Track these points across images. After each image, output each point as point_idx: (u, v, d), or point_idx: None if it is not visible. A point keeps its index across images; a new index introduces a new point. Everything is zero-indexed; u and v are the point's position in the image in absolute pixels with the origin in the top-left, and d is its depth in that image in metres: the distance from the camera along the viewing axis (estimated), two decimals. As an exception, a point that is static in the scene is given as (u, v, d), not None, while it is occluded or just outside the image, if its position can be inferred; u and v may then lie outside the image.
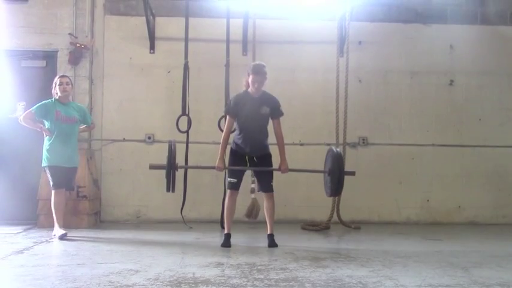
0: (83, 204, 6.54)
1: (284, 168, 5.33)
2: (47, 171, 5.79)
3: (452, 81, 7.69)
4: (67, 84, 5.90)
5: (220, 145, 5.31)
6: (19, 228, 6.19)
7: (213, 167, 5.35)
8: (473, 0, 7.73)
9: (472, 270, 4.08)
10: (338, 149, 5.42)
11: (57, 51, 7.20)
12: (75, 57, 7.13)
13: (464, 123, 7.67)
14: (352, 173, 5.47)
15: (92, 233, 6.09)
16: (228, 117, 5.32)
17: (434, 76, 7.67)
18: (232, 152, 5.40)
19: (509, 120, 7.73)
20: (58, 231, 5.68)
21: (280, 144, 5.33)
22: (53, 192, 5.77)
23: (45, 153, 5.78)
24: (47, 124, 5.84)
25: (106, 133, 7.34)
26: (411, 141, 7.56)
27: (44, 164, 5.79)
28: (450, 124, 7.65)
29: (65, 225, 5.98)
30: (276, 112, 5.30)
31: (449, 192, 7.58)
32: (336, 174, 5.18)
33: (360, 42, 7.47)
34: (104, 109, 7.35)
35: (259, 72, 5.16)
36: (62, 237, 5.57)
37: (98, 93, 7.34)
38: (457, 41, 7.67)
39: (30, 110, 5.86)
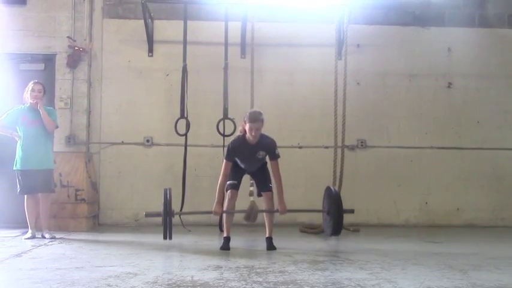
0: (81, 207, 6.54)
1: (282, 210, 5.27)
2: (17, 175, 5.86)
3: (450, 83, 7.70)
4: (39, 91, 5.91)
5: (218, 190, 5.21)
6: (17, 232, 6.18)
7: (210, 212, 5.30)
8: (471, 3, 7.75)
9: (471, 272, 4.08)
10: (336, 188, 5.42)
11: (55, 55, 7.21)
12: (73, 61, 7.14)
13: (463, 126, 7.68)
14: (351, 211, 5.57)
15: (91, 236, 6.09)
16: (225, 161, 5.28)
17: (432, 79, 7.69)
18: (231, 157, 5.36)
19: (508, 122, 7.74)
20: (28, 233, 5.87)
21: (278, 186, 5.27)
22: (24, 197, 5.89)
23: (16, 157, 5.86)
24: (18, 130, 5.90)
25: (104, 136, 7.34)
26: (410, 144, 7.56)
27: (15, 167, 5.86)
28: (449, 126, 7.66)
29: (63, 228, 6.00)
30: (272, 155, 5.26)
31: (448, 194, 7.58)
32: (335, 216, 5.17)
33: (358, 45, 7.49)
34: (103, 112, 7.36)
35: (255, 120, 5.09)
36: (29, 238, 5.76)
37: (97, 96, 7.35)
38: (455, 43, 7.69)
39: (0, 119, 5.94)
